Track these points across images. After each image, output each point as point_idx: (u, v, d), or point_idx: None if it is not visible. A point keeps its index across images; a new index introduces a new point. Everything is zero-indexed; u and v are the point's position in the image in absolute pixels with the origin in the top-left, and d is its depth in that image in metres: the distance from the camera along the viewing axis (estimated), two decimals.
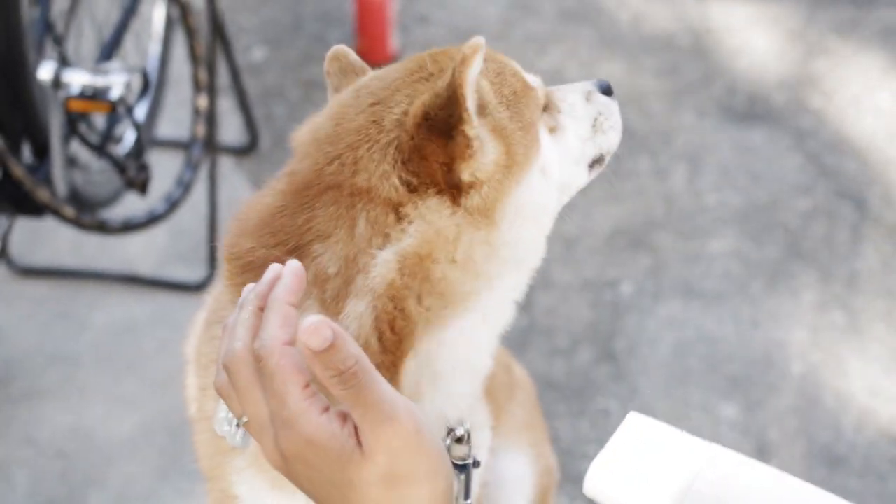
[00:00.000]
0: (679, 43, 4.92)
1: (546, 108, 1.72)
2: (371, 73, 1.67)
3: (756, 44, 4.89)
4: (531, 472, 1.91)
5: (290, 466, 1.29)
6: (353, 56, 1.73)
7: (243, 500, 1.65)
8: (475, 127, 1.49)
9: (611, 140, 1.82)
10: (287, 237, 1.52)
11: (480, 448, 1.66)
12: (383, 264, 1.45)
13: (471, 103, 1.47)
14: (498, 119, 1.57)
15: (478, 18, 5.05)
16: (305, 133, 1.61)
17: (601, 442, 3.29)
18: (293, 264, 1.31)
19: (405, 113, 1.52)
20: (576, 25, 5.01)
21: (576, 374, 3.57)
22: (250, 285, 1.35)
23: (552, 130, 1.70)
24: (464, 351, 1.54)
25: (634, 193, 4.24)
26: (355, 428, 1.26)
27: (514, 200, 1.55)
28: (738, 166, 4.35)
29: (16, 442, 3.44)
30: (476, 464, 1.54)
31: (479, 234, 1.50)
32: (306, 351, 1.22)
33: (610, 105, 1.86)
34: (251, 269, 1.53)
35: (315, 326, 1.21)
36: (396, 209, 1.48)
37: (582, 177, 1.76)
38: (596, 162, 1.80)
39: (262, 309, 1.31)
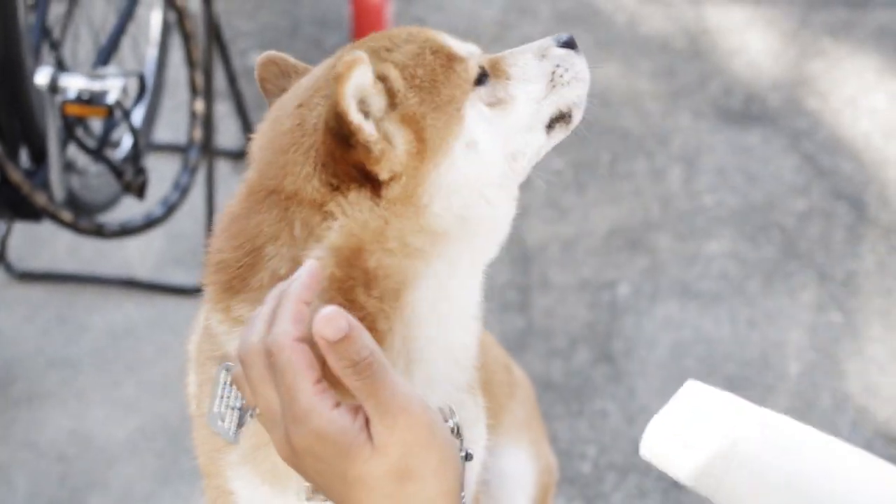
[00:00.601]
0: (675, 45, 4.93)
1: (486, 77, 1.68)
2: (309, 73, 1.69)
3: (751, 45, 4.90)
4: (532, 469, 1.91)
5: (300, 460, 1.29)
6: (291, 60, 1.72)
7: (238, 496, 1.66)
8: (369, 133, 1.50)
9: (572, 93, 1.75)
10: (244, 241, 1.56)
11: (475, 443, 1.66)
12: (319, 262, 1.46)
13: (354, 115, 1.47)
14: (407, 107, 1.57)
15: (474, 21, 5.06)
16: (256, 139, 1.64)
17: (599, 443, 3.31)
18: (310, 263, 1.33)
19: (321, 116, 1.54)
20: (572, 27, 5.01)
21: (574, 375, 3.58)
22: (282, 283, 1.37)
23: (494, 103, 1.66)
24: (435, 331, 1.55)
25: (631, 194, 4.25)
26: (366, 423, 1.26)
27: (437, 182, 1.55)
28: (735, 167, 4.35)
29: (16, 445, 3.45)
30: (468, 457, 1.54)
31: (409, 221, 1.52)
32: (321, 341, 1.23)
33: (569, 57, 1.77)
34: (221, 270, 1.57)
35: (330, 317, 1.23)
36: (321, 208, 1.50)
37: (539, 140, 1.73)
38: (558, 120, 1.75)
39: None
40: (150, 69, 3.84)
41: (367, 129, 1.49)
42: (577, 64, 1.76)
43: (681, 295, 3.85)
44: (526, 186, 4.18)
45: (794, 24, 4.98)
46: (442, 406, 1.55)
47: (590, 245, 4.05)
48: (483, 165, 1.61)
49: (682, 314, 3.79)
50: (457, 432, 1.51)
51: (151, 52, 3.88)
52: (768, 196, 4.22)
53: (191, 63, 3.75)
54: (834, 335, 3.70)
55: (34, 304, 3.88)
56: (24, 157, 3.36)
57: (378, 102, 1.52)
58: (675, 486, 3.26)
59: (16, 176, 3.22)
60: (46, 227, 3.68)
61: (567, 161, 4.41)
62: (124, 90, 3.30)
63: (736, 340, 3.69)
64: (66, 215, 3.36)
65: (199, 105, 3.67)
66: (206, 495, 1.77)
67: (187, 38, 3.72)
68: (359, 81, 1.47)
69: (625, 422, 3.45)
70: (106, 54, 3.55)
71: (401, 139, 1.53)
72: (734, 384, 3.55)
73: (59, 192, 3.33)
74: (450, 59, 1.65)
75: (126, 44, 3.71)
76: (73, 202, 3.40)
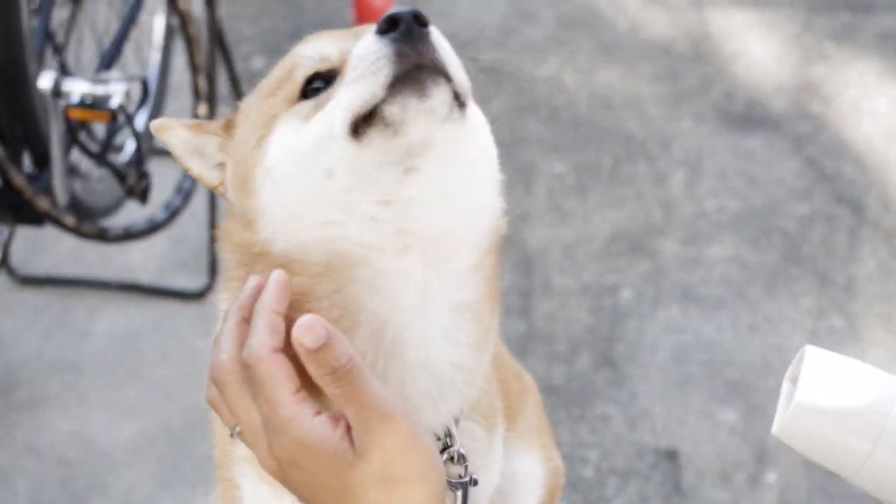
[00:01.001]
0: (677, 49, 4.93)
1: (328, 83, 1.49)
2: None
3: (754, 49, 4.91)
4: (542, 472, 1.91)
5: (286, 472, 1.30)
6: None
7: (244, 491, 1.65)
8: (206, 177, 1.60)
9: (361, 89, 1.42)
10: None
11: (485, 469, 1.61)
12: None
13: (192, 167, 1.59)
14: (232, 138, 1.61)
15: (477, 26, 5.07)
16: None
17: (601, 447, 3.31)
18: (277, 274, 1.33)
19: None
20: (574, 32, 5.02)
21: (575, 380, 3.58)
22: (234, 300, 1.37)
23: (309, 116, 1.48)
24: (399, 347, 1.47)
25: (633, 199, 4.25)
26: (348, 430, 1.27)
27: (258, 212, 1.49)
28: (737, 171, 4.35)
29: (17, 449, 3.45)
30: (473, 482, 1.51)
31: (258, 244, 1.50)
32: (300, 349, 1.24)
33: (365, 46, 1.45)
34: (235, 250, 1.56)
35: (309, 325, 1.24)
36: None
37: (345, 151, 1.42)
38: (369, 124, 1.42)
39: (245, 320, 1.33)
40: (153, 73, 3.84)
41: (204, 174, 1.60)
42: (372, 55, 1.42)
43: (683, 299, 3.85)
44: (527, 190, 4.19)
45: (797, 29, 4.98)
46: (437, 431, 1.52)
47: (591, 249, 4.05)
48: (285, 192, 1.45)
49: (683, 318, 3.79)
50: (458, 458, 1.49)
51: (154, 57, 3.88)
52: (770, 200, 4.22)
53: (194, 67, 3.75)
54: (836, 340, 3.70)
55: (36, 308, 3.88)
56: (26, 161, 3.36)
57: (211, 146, 1.59)
58: (677, 491, 3.26)
59: (18, 180, 3.22)
60: (49, 232, 3.68)
61: (569, 165, 4.41)
62: (127, 94, 3.31)
63: (738, 345, 3.69)
64: (69, 219, 3.36)
65: (203, 109, 3.67)
66: (219, 486, 1.77)
67: (190, 43, 3.72)
68: (174, 141, 1.56)
69: (626, 426, 3.44)
70: (109, 59, 3.55)
71: (228, 168, 1.58)
72: (736, 389, 3.55)
73: (61, 196, 3.33)
74: (290, 73, 1.53)
75: (129, 48, 3.71)
76: (75, 206, 3.40)
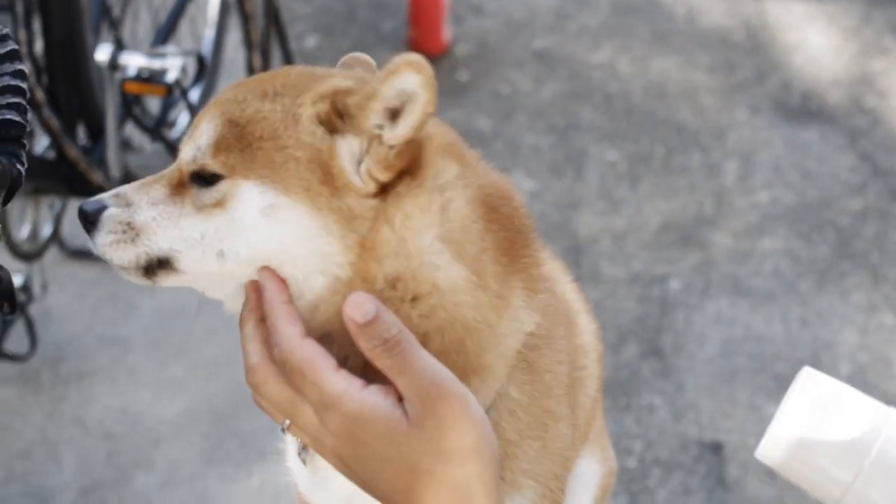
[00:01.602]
0: (734, 39, 4.90)
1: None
2: None
3: (811, 41, 4.86)
4: (600, 473, 1.90)
5: (342, 453, 1.29)
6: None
7: (291, 472, 1.65)
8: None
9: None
10: None
11: None
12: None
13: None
14: None
15: (532, 9, 5.05)
16: None
17: (646, 438, 3.30)
18: (264, 272, 1.33)
19: None
20: (630, 19, 4.99)
21: (622, 370, 3.56)
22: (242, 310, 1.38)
23: None
24: None
25: (685, 189, 4.23)
26: (399, 400, 1.26)
27: None
28: (791, 164, 4.32)
29: (64, 422, 3.47)
30: None
31: None
32: (352, 325, 1.24)
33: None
34: None
35: (358, 301, 1.25)
36: None
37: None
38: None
39: (261, 321, 1.33)
40: (207, 49, 3.84)
41: None
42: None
43: (732, 291, 3.82)
44: (579, 177, 4.18)
45: (856, 21, 4.93)
46: None
47: (642, 239, 4.03)
48: None
49: (733, 311, 3.76)
50: None
51: (209, 33, 3.88)
52: (824, 194, 4.19)
53: (249, 44, 3.75)
54: (886, 336, 3.67)
55: (86, 282, 3.90)
56: (81, 134, 3.38)
57: None
58: (720, 485, 3.24)
59: (73, 152, 3.23)
60: None
61: (621, 153, 4.39)
62: (183, 69, 3.31)
63: (787, 339, 3.67)
64: None
65: (257, 60, 3.67)
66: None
67: (247, 19, 3.72)
68: None
69: (672, 418, 3.43)
70: (164, 34, 3.56)
71: None
72: (784, 383, 3.51)
73: (115, 169, 3.34)
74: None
75: (184, 24, 3.72)
76: (128, 181, 3.40)
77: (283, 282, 1.33)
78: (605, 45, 4.87)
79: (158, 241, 1.42)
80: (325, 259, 1.32)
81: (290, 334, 1.29)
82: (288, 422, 1.33)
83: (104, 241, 1.45)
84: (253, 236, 1.35)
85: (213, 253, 1.39)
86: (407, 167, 1.34)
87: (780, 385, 3.52)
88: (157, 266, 1.44)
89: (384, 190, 1.33)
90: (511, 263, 1.40)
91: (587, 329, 1.68)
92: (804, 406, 1.43)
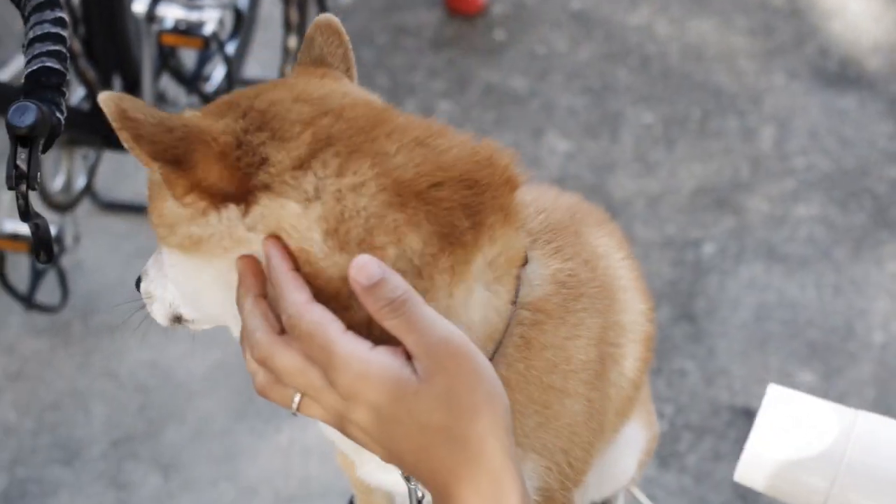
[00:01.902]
0: (773, 2, 4.86)
1: None
2: None
3: (851, 7, 4.82)
4: (645, 438, 1.89)
5: (352, 417, 1.28)
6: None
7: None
8: None
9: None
10: None
11: None
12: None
13: None
14: None
15: None
16: None
17: (677, 402, 3.29)
18: (268, 243, 1.32)
19: None
20: None
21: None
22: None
23: None
24: None
25: (721, 153, 4.20)
26: (408, 359, 1.26)
27: None
28: (828, 130, 4.29)
29: (95, 374, 3.47)
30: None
31: None
32: (357, 287, 1.24)
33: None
34: None
35: (363, 264, 1.24)
36: None
37: None
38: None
39: (260, 296, 1.32)
40: (244, 2, 3.82)
41: None
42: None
43: (767, 257, 3.80)
44: (614, 139, 4.16)
45: None
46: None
47: (676, 202, 4.01)
48: None
49: (766, 276, 3.74)
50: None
51: None
52: (861, 161, 4.16)
53: None
54: None
55: (118, 235, 3.90)
56: (117, 86, 3.37)
57: None
58: None
59: None
60: (132, 159, 3.68)
61: (657, 115, 4.36)
62: (220, 22, 3.29)
63: (820, 306, 3.65)
64: None
65: (293, 42, 3.65)
66: None
67: None
68: None
69: (703, 382, 3.42)
70: None
71: None
72: (817, 351, 3.51)
73: None
74: None
75: None
76: None
77: (287, 251, 1.32)
78: (642, 7, 4.84)
79: (159, 304, 1.55)
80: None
81: (299, 300, 1.28)
82: (298, 400, 1.31)
83: (150, 310, 1.59)
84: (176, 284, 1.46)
85: (187, 304, 1.49)
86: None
87: (812, 352, 3.50)
88: (181, 319, 1.54)
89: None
90: (468, 243, 1.36)
91: (632, 307, 1.64)
92: (775, 424, 1.48)
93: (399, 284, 1.25)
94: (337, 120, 1.32)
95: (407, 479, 1.43)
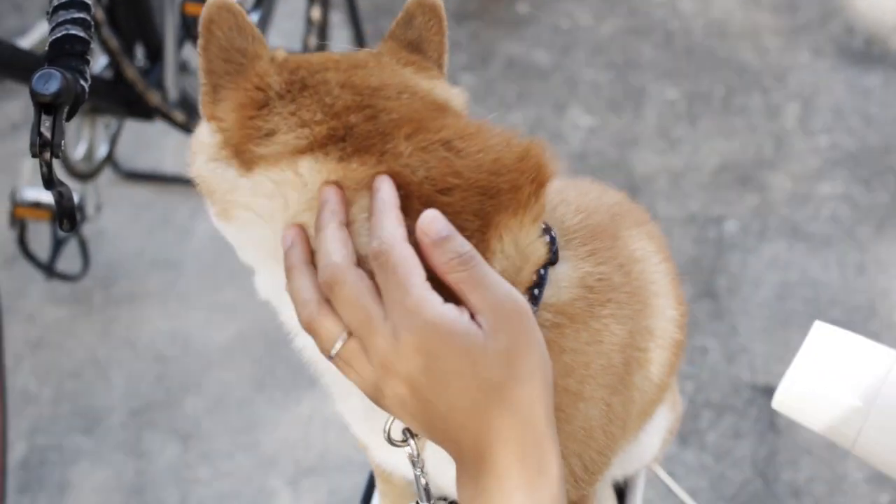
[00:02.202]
0: None
1: None
2: None
3: None
4: (669, 419, 1.88)
5: (401, 368, 1.27)
6: (247, 18, 1.42)
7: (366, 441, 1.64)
8: None
9: None
10: None
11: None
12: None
13: None
14: None
15: None
16: None
17: (697, 379, 3.27)
18: (384, 177, 1.31)
19: None
20: None
21: None
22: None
23: None
24: None
25: (744, 130, 4.18)
26: (472, 317, 1.26)
27: None
28: (852, 109, 4.26)
29: (115, 343, 3.48)
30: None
31: None
32: (426, 240, 1.24)
33: None
34: None
35: (432, 218, 1.25)
36: None
37: None
38: None
39: (343, 224, 1.31)
40: None
41: None
42: None
43: (789, 235, 3.79)
44: (637, 115, 4.13)
45: None
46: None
47: (699, 179, 3.99)
48: None
49: (789, 255, 3.72)
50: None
51: None
52: (885, 140, 4.13)
53: None
54: None
55: (139, 204, 3.90)
56: (139, 55, 3.36)
57: None
58: (771, 429, 3.22)
59: (131, 73, 3.22)
60: (153, 129, 3.69)
61: (681, 91, 4.34)
62: None
63: (843, 285, 3.63)
64: (179, 116, 3.36)
65: (316, 12, 3.64)
66: None
67: None
68: None
69: (724, 360, 3.40)
70: None
71: None
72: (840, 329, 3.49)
73: (173, 91, 3.32)
74: None
75: None
76: (185, 103, 3.40)
77: (395, 189, 1.31)
78: None
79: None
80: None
81: (397, 233, 1.27)
82: (343, 339, 1.30)
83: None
84: None
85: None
86: None
87: None
88: None
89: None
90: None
91: (663, 313, 1.62)
92: (816, 356, 1.49)
93: (464, 241, 1.26)
94: (368, 119, 1.32)
95: (413, 464, 1.42)
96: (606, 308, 1.45)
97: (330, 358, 1.30)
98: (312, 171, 1.30)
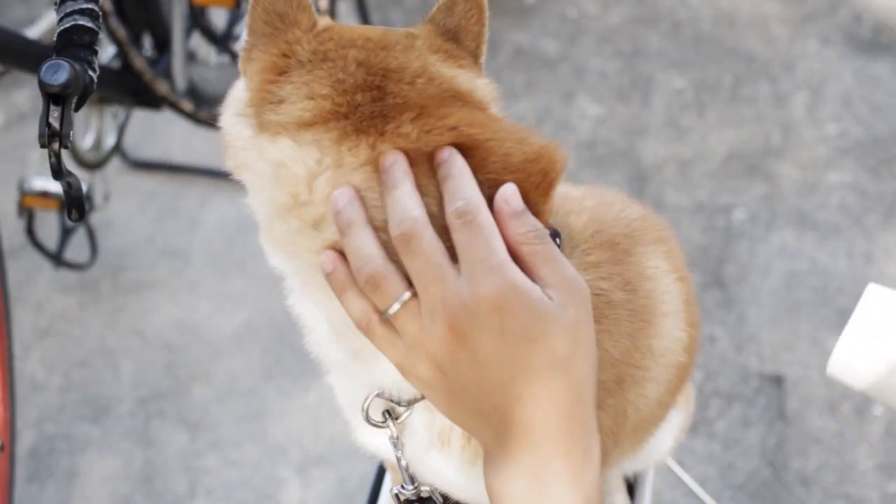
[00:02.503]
0: None
1: None
2: None
3: None
4: (681, 418, 1.89)
5: (471, 329, 1.26)
6: None
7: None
8: None
9: None
10: None
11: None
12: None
13: None
14: None
15: None
16: None
17: (706, 368, 3.27)
18: (449, 147, 1.31)
19: None
20: None
21: None
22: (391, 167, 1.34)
23: None
24: None
25: (752, 119, 4.17)
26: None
27: None
28: (861, 97, 4.26)
29: (123, 332, 3.48)
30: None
31: None
32: (506, 209, 1.27)
33: None
34: None
35: (514, 190, 1.29)
36: None
37: None
38: None
39: (417, 186, 1.31)
40: None
41: None
42: None
43: (798, 224, 3.78)
44: (645, 104, 4.13)
45: None
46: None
47: (707, 168, 3.99)
48: None
49: (798, 243, 3.72)
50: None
51: None
52: (893, 128, 4.13)
53: None
54: None
55: (147, 193, 3.90)
56: (147, 45, 3.36)
57: None
58: (780, 417, 3.22)
59: (139, 62, 3.22)
60: (161, 118, 3.69)
61: (688, 81, 4.34)
62: None
63: (852, 274, 3.63)
64: (187, 105, 3.36)
65: (324, 2, 3.63)
66: None
67: None
68: None
69: (733, 349, 3.40)
70: None
71: None
72: (847, 318, 3.47)
73: (180, 81, 3.33)
74: None
75: None
76: (193, 92, 3.40)
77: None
78: None
79: None
80: None
81: (479, 196, 1.28)
82: (403, 301, 1.29)
83: None
84: None
85: None
86: None
87: (843, 319, 3.47)
88: None
89: None
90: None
91: (670, 334, 1.60)
92: (870, 314, 1.46)
93: (536, 219, 1.29)
94: (375, 100, 1.32)
95: (394, 446, 1.42)
96: (600, 324, 1.44)
97: (384, 315, 1.29)
98: (312, 144, 1.30)
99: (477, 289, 1.24)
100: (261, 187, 1.35)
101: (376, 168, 1.28)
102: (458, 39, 1.45)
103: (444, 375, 1.27)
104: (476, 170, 1.30)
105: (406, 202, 1.28)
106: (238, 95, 1.39)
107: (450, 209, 1.27)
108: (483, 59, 1.48)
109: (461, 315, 1.24)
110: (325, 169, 1.29)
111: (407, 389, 1.39)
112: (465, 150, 1.30)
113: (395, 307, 1.26)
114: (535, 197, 1.33)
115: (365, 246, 1.28)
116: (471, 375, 1.26)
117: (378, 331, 1.29)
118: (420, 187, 1.28)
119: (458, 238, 1.26)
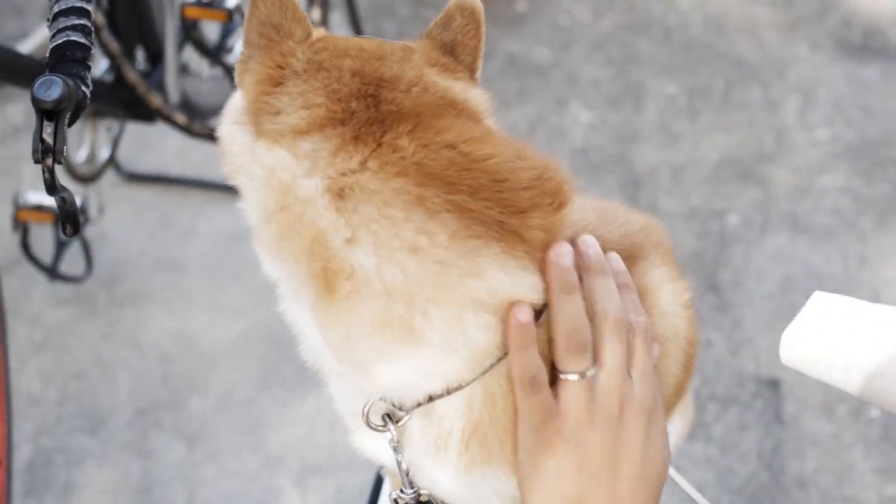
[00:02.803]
0: None
1: None
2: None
3: None
4: (681, 425, 1.91)
5: (636, 415, 1.36)
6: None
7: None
8: None
9: None
10: None
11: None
12: None
13: None
14: None
15: None
16: None
17: (703, 373, 3.28)
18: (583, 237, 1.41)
19: None
20: None
21: None
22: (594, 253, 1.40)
23: None
24: None
25: (744, 124, 4.18)
26: None
27: None
28: (852, 101, 4.27)
29: (120, 343, 3.48)
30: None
31: None
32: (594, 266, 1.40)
33: None
34: None
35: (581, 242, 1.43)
36: None
37: None
38: None
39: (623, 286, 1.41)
40: None
41: None
42: None
43: (791, 228, 3.79)
44: (637, 110, 4.13)
45: None
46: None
47: (700, 173, 3.99)
48: None
49: (791, 247, 3.73)
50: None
51: None
52: (885, 132, 4.14)
53: None
54: None
55: (141, 205, 3.90)
56: (140, 58, 3.37)
57: None
58: (777, 421, 3.23)
59: (132, 75, 3.23)
60: (155, 130, 3.69)
61: (680, 87, 4.35)
62: None
63: (846, 277, 3.63)
64: (180, 118, 3.37)
65: (316, 13, 3.64)
66: None
67: None
68: None
69: (729, 353, 3.41)
70: None
71: None
72: None
73: (174, 94, 3.33)
74: None
75: None
76: (186, 105, 3.41)
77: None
78: None
79: None
80: None
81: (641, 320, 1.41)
82: (584, 373, 1.32)
83: None
84: None
85: None
86: None
87: None
88: None
89: None
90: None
91: (668, 352, 1.62)
92: (817, 314, 1.51)
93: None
94: (370, 107, 1.32)
95: (394, 451, 1.43)
96: None
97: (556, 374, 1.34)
98: (309, 153, 1.31)
99: (640, 388, 1.37)
100: (254, 191, 1.36)
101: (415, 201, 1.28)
102: (454, 53, 1.46)
103: (578, 446, 1.32)
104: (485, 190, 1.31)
105: (613, 294, 1.40)
106: (235, 104, 1.41)
107: (612, 310, 1.37)
108: (479, 73, 1.48)
109: (626, 398, 1.35)
110: (315, 172, 1.30)
111: (409, 395, 1.39)
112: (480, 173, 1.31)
113: (591, 371, 1.32)
114: (545, 216, 1.34)
115: (575, 313, 1.33)
116: (604, 460, 1.34)
117: (544, 391, 1.32)
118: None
119: (622, 338, 1.37)
